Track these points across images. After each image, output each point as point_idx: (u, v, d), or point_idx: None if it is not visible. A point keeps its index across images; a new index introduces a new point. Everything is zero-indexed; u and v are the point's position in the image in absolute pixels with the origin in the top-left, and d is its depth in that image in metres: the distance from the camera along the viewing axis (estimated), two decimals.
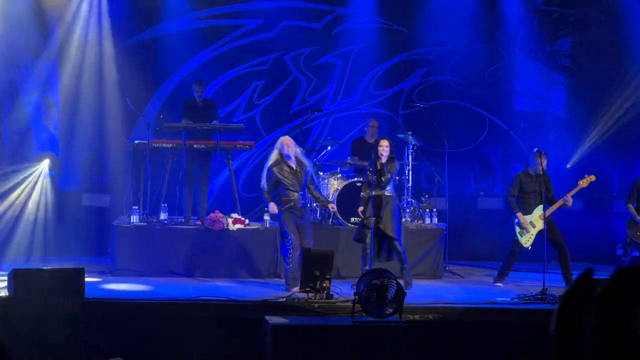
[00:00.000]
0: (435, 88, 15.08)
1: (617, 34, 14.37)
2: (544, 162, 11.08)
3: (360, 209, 10.71)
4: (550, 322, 1.62)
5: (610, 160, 14.23)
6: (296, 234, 10.25)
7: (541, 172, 11.09)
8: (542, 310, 9.29)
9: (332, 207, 10.94)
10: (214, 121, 12.51)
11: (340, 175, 12.34)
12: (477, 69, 14.81)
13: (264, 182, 10.41)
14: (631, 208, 11.43)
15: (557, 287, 9.97)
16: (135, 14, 14.28)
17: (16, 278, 8.83)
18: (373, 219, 10.39)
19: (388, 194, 10.61)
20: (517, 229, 11.13)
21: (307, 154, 13.03)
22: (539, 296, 9.71)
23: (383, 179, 10.55)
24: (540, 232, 10.96)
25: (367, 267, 10.13)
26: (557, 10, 14.83)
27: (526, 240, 11.10)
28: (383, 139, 10.80)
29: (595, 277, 1.65)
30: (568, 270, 10.98)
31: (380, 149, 10.60)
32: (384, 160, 10.57)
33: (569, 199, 10.91)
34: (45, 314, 8.51)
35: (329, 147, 12.74)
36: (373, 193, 10.48)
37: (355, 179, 12.15)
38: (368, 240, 10.38)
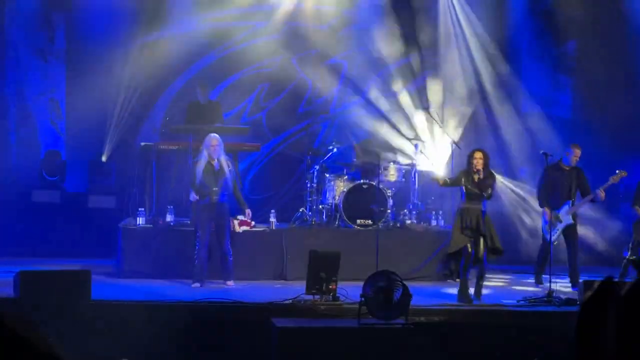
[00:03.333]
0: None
1: (623, 36, 14.36)
2: (578, 153, 11.07)
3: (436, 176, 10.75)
4: (573, 328, 1.61)
5: (616, 162, 14.19)
6: (205, 230, 10.65)
7: (574, 165, 11.07)
8: (548, 313, 9.29)
9: (248, 212, 11.16)
10: (218, 123, 12.50)
11: (346, 177, 12.33)
12: (482, 70, 14.75)
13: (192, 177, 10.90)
14: (639, 210, 11.40)
15: (564, 289, 9.96)
16: (141, 16, 14.28)
17: (23, 279, 8.84)
18: (470, 231, 9.86)
19: (484, 208, 9.96)
20: (545, 225, 11.10)
21: (314, 156, 13.06)
22: (546, 298, 9.70)
23: (485, 195, 9.89)
24: (566, 228, 11.03)
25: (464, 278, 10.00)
26: (564, 12, 14.79)
27: (552, 236, 10.99)
28: (477, 150, 10.16)
29: (616, 280, 1.64)
30: (576, 271, 11.00)
31: (474, 161, 9.97)
32: (482, 175, 9.89)
33: (601, 194, 10.85)
34: (52, 316, 8.52)
35: (335, 149, 12.73)
36: (468, 206, 9.95)
37: (362, 181, 12.15)
38: (468, 250, 9.87)
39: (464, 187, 9.99)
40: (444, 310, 9.28)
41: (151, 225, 11.67)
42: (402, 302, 8.42)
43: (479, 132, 14.51)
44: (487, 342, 8.89)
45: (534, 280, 11.45)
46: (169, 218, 11.78)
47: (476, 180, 9.89)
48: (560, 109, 14.99)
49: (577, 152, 11.13)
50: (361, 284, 8.79)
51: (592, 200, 11.05)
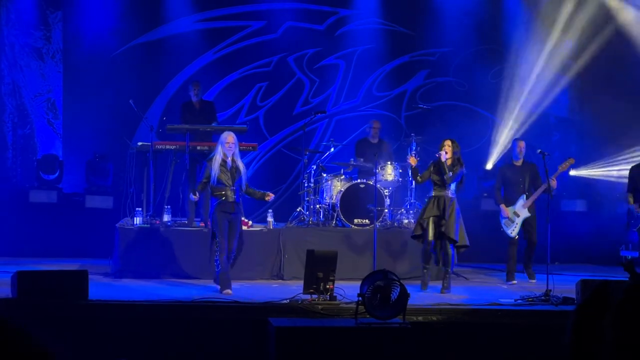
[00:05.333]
0: (438, 89, 15.08)
1: (622, 36, 14.39)
2: (522, 145, 11.56)
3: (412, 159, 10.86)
4: (566, 332, 1.61)
5: (613, 161, 14.22)
6: (225, 236, 10.27)
7: (522, 160, 11.56)
8: (545, 312, 9.29)
9: (269, 195, 10.67)
10: (213, 123, 12.49)
11: (343, 176, 12.34)
12: (480, 71, 14.80)
13: (202, 176, 10.54)
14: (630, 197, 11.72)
15: (561, 288, 9.96)
16: (138, 16, 14.29)
17: (20, 279, 8.83)
18: (432, 218, 10.44)
19: (451, 196, 10.52)
20: (503, 221, 11.52)
21: (311, 156, 13.06)
22: (543, 297, 9.70)
23: (446, 178, 10.44)
24: (525, 220, 11.44)
25: (427, 266, 10.54)
26: (561, 11, 14.80)
27: (512, 231, 11.55)
28: (447, 139, 10.67)
29: (612, 279, 1.64)
30: (530, 264, 11.49)
31: (442, 149, 10.53)
32: (443, 159, 10.47)
33: (552, 181, 11.10)
34: (49, 316, 8.50)
35: (332, 149, 12.74)
36: (434, 193, 10.51)
37: (359, 180, 12.17)
38: (430, 239, 10.46)
39: (431, 176, 10.57)
40: (441, 310, 9.27)
41: (148, 225, 11.66)
42: (399, 301, 8.42)
43: (478, 131, 14.54)
44: (484, 342, 8.89)
45: (506, 279, 11.58)
46: (166, 218, 11.78)
47: (440, 167, 10.45)
48: (558, 108, 15.01)
49: (521, 144, 11.66)
50: (359, 283, 8.79)
51: (546, 190, 11.18)
